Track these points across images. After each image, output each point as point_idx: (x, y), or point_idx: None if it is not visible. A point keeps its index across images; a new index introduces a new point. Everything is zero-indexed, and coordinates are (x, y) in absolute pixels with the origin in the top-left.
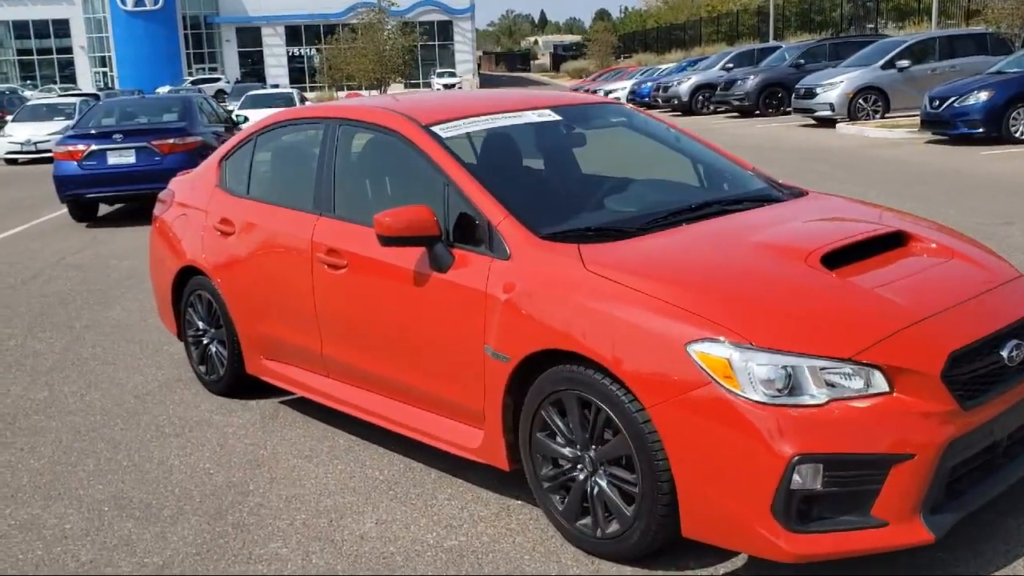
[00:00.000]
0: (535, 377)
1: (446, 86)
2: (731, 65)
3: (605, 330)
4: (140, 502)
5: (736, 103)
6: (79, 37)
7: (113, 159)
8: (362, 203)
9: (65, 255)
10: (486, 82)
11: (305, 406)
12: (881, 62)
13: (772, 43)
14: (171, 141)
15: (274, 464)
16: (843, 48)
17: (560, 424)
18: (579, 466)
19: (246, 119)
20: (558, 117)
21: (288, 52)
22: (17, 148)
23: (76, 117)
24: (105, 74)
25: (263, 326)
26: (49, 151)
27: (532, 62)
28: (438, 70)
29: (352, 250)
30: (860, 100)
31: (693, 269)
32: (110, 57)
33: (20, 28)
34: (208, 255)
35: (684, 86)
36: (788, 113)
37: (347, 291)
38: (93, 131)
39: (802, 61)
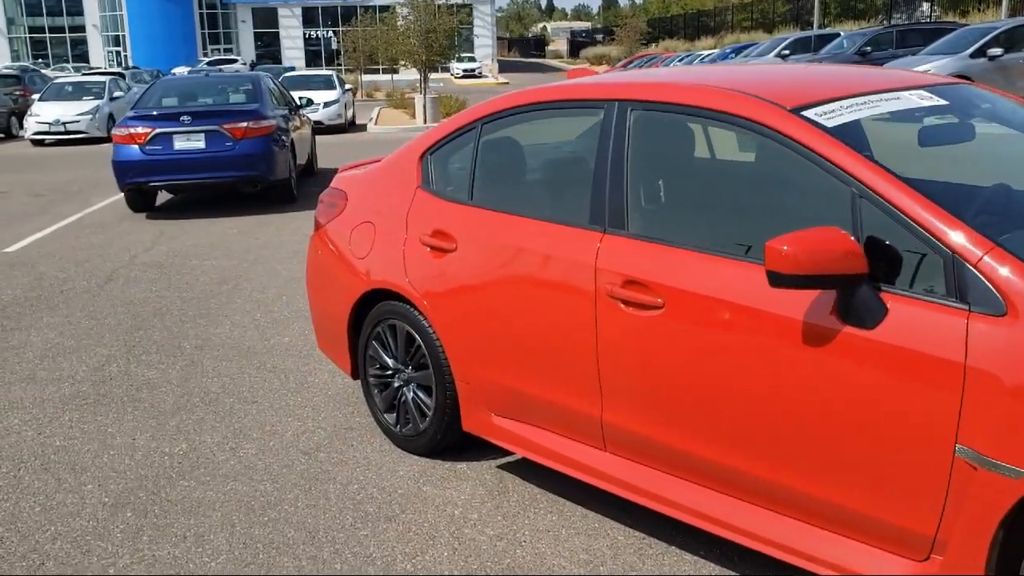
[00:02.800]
0: None
1: (466, 71)
2: (787, 52)
3: None
4: None
5: None
6: (92, 15)
7: (180, 143)
8: (686, 217)
9: (136, 252)
10: (504, 68)
11: (536, 473)
12: (970, 50)
13: (829, 30)
14: (244, 125)
15: None
16: (910, 35)
17: None
18: None
19: (310, 101)
20: (944, 101)
21: (305, 34)
22: (45, 128)
23: (106, 96)
24: (118, 53)
25: (498, 373)
26: (79, 131)
27: (546, 48)
28: (457, 54)
29: (676, 285)
30: None
31: None
32: (124, 36)
33: (32, 6)
34: (414, 277)
35: None
36: None
37: (662, 341)
38: (155, 112)
39: (868, 49)
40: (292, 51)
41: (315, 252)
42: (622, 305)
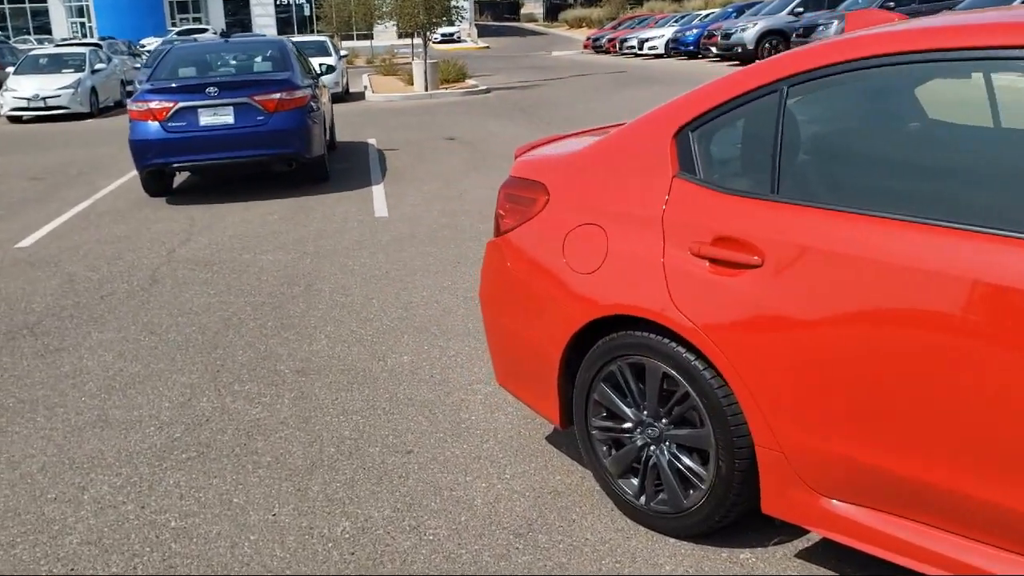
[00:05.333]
0: None
1: (444, 36)
2: (800, 9)
3: None
4: None
5: None
6: None
7: (206, 119)
8: None
9: (172, 246)
10: (483, 32)
11: (857, 564)
12: (1017, 1)
13: None
14: (277, 96)
15: None
16: None
17: None
18: None
19: (330, 68)
20: None
21: (275, 1)
22: (24, 104)
23: (87, 69)
24: (83, 24)
25: (845, 443)
26: (61, 107)
27: (519, 11)
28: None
29: None
30: None
31: None
32: (87, 7)
33: None
34: (684, 302)
35: (750, 32)
36: None
37: None
38: (176, 84)
39: (891, 3)
40: (263, 18)
41: (500, 263)
42: None
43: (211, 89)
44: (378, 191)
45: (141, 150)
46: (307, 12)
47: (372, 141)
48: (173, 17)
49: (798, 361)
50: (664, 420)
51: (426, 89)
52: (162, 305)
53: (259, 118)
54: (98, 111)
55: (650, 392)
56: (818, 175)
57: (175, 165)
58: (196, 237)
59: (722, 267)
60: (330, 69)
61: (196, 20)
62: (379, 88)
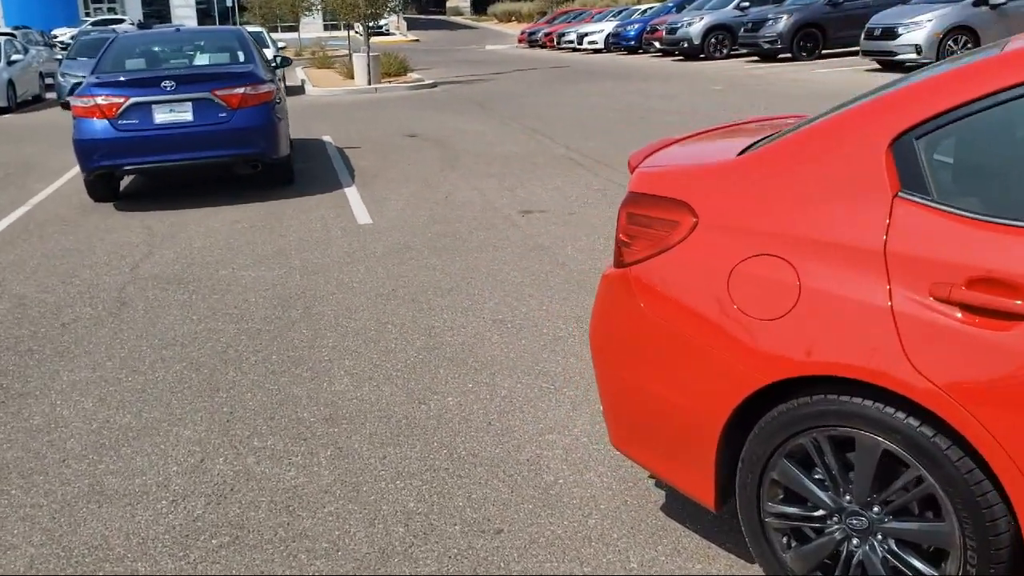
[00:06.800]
0: None
1: (373, 28)
2: (747, 4)
3: None
4: None
5: (767, 46)
6: None
7: (161, 116)
8: None
9: (134, 260)
10: (412, 25)
11: None
12: None
13: None
14: (241, 91)
15: None
16: None
17: None
18: None
19: (285, 60)
20: None
21: None
22: None
23: (3, 60)
24: None
25: None
26: None
27: (445, 4)
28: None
29: None
30: (950, 41)
31: None
32: None
33: None
34: (925, 361)
35: (696, 27)
36: (823, 57)
37: None
38: (126, 78)
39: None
40: (183, 9)
41: (627, 302)
42: None
43: (167, 83)
44: (352, 194)
45: (87, 150)
46: (229, 3)
47: (328, 139)
48: (87, 7)
49: None
50: (878, 508)
51: (369, 83)
52: (139, 334)
53: (221, 115)
54: (16, 106)
55: (861, 473)
56: None
57: (126, 167)
58: (159, 250)
59: (984, 317)
60: (286, 61)
61: (111, 10)
62: (318, 82)
